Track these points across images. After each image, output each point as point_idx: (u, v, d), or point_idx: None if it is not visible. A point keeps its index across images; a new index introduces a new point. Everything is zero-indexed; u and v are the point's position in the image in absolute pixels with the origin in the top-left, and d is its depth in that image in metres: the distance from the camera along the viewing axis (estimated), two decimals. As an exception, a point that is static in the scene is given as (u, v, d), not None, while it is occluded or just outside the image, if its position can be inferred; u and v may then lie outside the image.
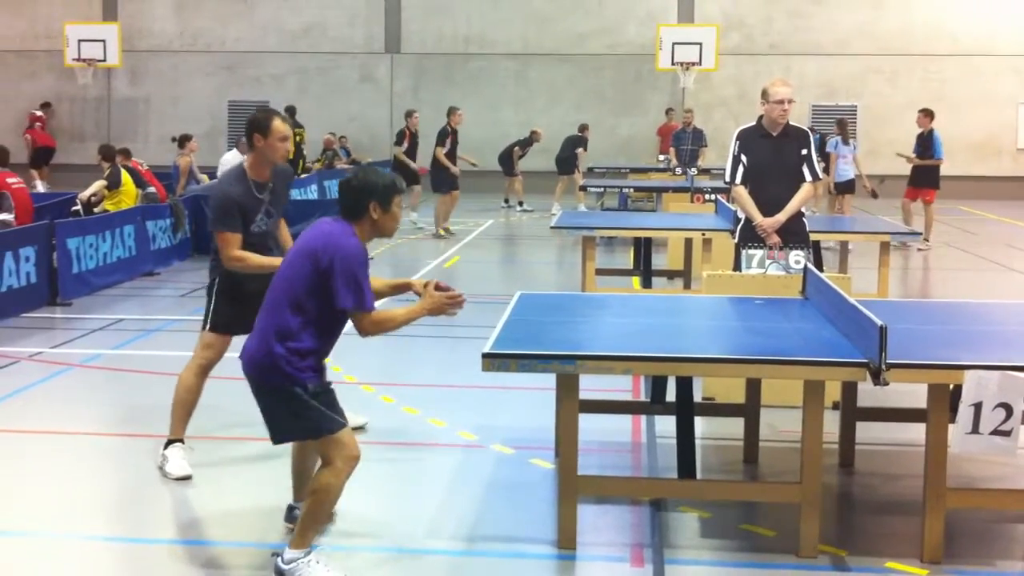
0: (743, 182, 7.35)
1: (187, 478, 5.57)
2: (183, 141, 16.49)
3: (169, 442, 5.71)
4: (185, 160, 16.25)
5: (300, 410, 4.30)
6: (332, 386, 4.45)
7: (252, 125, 5.54)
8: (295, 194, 16.50)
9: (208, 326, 5.72)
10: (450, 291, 4.50)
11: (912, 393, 5.16)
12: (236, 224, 5.49)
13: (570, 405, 4.70)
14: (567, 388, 4.70)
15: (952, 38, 24.51)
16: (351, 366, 7.42)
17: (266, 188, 5.62)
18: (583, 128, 20.70)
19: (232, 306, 5.63)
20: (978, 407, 4.33)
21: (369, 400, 7.03)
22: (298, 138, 22.83)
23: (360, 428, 6.30)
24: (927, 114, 15.88)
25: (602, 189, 16.62)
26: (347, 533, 4.95)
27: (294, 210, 12.53)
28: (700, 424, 6.11)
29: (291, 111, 22.89)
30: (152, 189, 13.93)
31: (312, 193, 18.05)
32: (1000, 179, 24.59)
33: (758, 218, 7.26)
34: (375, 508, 5.29)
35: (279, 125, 5.52)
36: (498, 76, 25.17)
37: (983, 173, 24.61)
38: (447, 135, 16.21)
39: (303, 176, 18.50)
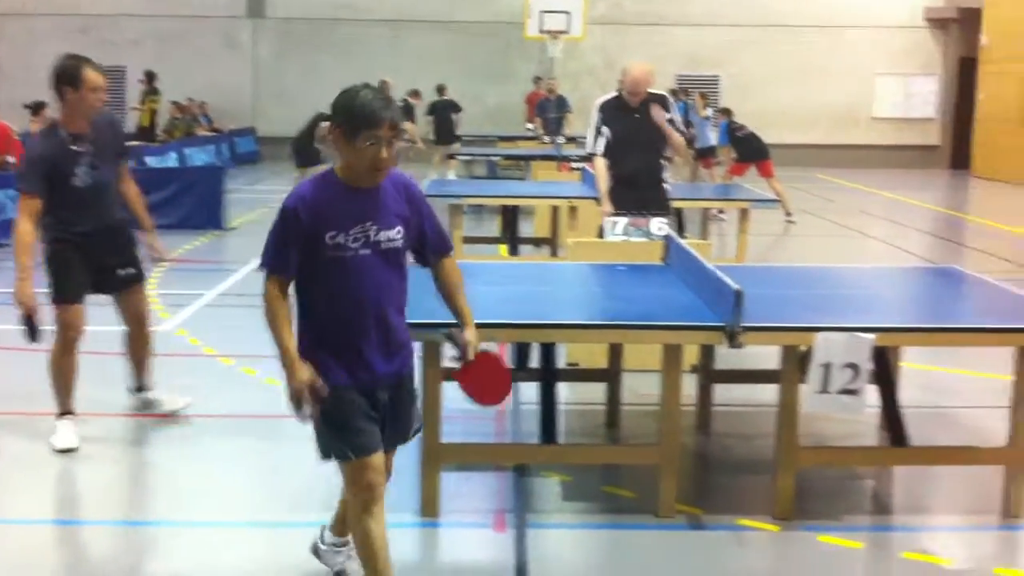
0: (604, 154, 7.46)
1: (71, 450, 5.38)
2: (37, 108, 15.82)
3: (60, 415, 5.54)
4: (37, 128, 15.59)
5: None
6: (358, 395, 3.54)
7: (60, 77, 5.17)
8: (153, 163, 15.97)
9: (54, 298, 5.50)
10: (316, 397, 3.49)
11: (768, 355, 5.29)
12: (35, 185, 5.19)
13: (433, 373, 4.67)
14: (431, 356, 4.67)
15: (812, 11, 25.19)
16: (208, 338, 7.27)
17: (85, 139, 5.29)
18: (442, 89, 19.94)
19: (71, 273, 5.39)
20: (827, 367, 4.46)
21: (228, 373, 6.88)
22: (154, 105, 22.06)
23: (178, 411, 5.98)
24: (722, 111, 17.26)
25: (471, 157, 16.60)
26: (215, 507, 4.85)
27: (151, 179, 12.20)
28: (564, 389, 6.19)
29: (151, 77, 22.18)
30: (11, 159, 13.35)
31: (172, 161, 17.49)
32: (856, 147, 25.49)
33: (604, 199, 7.44)
34: (240, 483, 5.20)
35: (92, 75, 5.19)
36: (369, 43, 24.85)
37: (841, 142, 25.48)
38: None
39: (158, 145, 17.90)
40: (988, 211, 18.02)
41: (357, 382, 3.53)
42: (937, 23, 25.68)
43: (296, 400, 3.47)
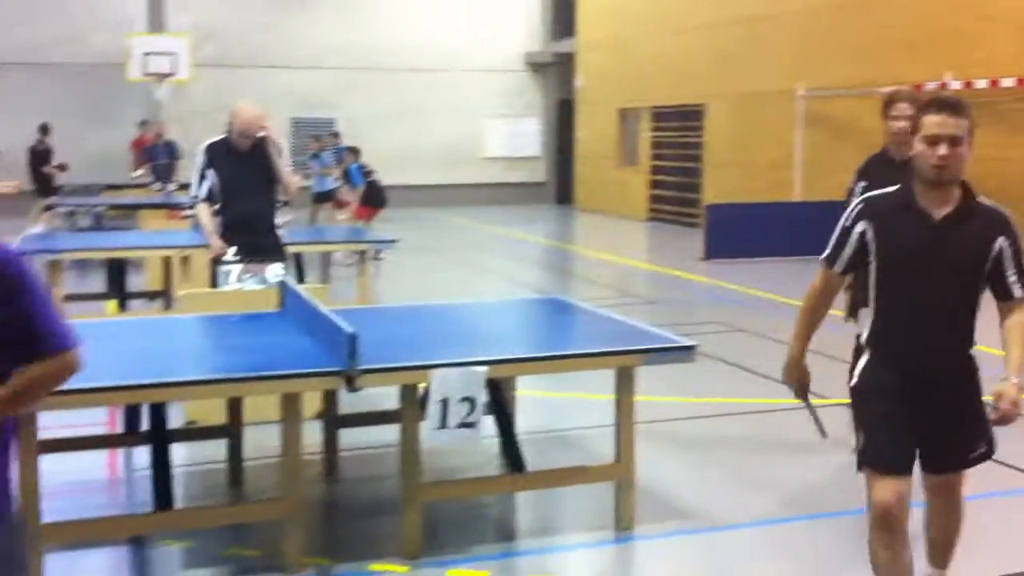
0: (209, 198, 7.25)
1: None
2: None
3: None
4: None
5: None
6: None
7: None
8: None
9: None
10: None
11: (391, 395, 5.30)
12: None
13: (28, 446, 4.25)
14: (26, 427, 4.24)
15: (416, 55, 26.01)
16: None
17: None
18: (44, 131, 18.77)
19: None
20: (445, 403, 4.53)
21: None
22: None
23: None
24: (351, 151, 16.47)
25: (72, 208, 15.57)
26: None
27: None
28: (184, 450, 5.87)
29: None
30: None
31: None
32: (468, 186, 26.58)
33: (213, 240, 7.27)
34: None
35: None
36: (-51, 87, 22.73)
37: (454, 181, 26.47)
38: None
39: None
40: (590, 242, 19.36)
41: None
42: (536, 67, 27.39)
43: None
